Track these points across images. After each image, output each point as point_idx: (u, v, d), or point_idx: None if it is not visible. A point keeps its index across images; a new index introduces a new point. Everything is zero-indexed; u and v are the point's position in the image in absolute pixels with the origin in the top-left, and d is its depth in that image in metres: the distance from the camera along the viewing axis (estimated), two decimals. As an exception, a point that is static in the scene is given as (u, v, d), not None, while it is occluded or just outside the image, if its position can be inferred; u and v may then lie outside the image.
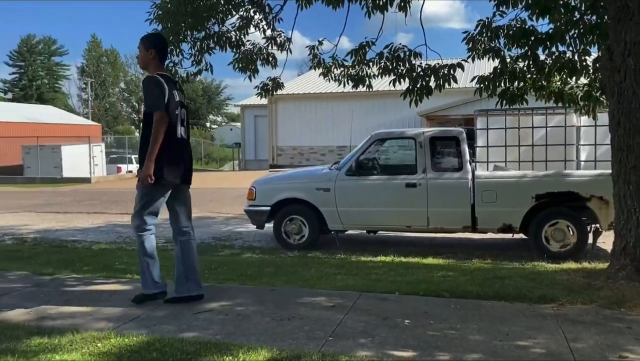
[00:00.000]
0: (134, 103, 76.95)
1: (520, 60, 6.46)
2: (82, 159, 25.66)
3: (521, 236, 7.99)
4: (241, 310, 4.34)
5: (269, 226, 8.55)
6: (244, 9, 6.68)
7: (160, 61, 4.46)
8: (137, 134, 65.03)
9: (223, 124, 78.35)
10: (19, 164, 27.43)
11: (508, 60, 6.57)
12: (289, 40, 7.77)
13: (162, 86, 4.31)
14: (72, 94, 77.85)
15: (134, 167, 29.60)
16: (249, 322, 4.03)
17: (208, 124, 75.15)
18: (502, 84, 6.54)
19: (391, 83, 7.26)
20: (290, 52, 7.84)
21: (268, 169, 26.44)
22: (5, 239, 9.47)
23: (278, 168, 25.47)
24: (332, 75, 7.50)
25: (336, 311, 4.30)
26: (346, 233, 8.71)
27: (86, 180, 24.24)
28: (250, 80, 7.48)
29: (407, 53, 6.94)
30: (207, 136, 55.61)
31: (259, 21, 7.41)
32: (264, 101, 28.82)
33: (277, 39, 7.62)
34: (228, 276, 5.82)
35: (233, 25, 6.97)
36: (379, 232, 8.96)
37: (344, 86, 7.82)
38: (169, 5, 5.85)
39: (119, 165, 28.95)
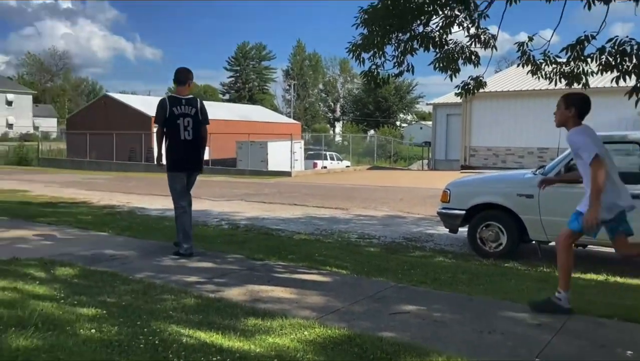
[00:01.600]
0: (330, 103, 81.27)
1: None
2: (284, 155, 27.98)
3: None
4: (438, 316, 4.27)
5: (463, 230, 8.28)
6: (448, 7, 6.54)
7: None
8: (331, 132, 68.63)
9: (413, 122, 78.38)
10: (232, 157, 30.97)
11: None
12: (494, 37, 7.40)
13: (164, 106, 6.27)
14: (277, 95, 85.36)
15: (329, 163, 31.30)
16: (446, 330, 3.93)
17: (398, 123, 75.88)
18: None
19: (613, 80, 6.45)
20: (496, 49, 7.47)
21: (459, 169, 25.68)
22: (222, 224, 10.74)
23: (470, 169, 24.59)
24: (543, 72, 6.93)
25: (542, 330, 3.97)
26: (549, 244, 8.01)
27: (287, 174, 26.34)
28: (451, 79, 7.30)
29: (636, 47, 6.09)
30: (397, 134, 56.14)
31: (463, 19, 7.19)
32: (458, 99, 28.19)
33: (482, 36, 7.31)
34: (421, 279, 5.77)
35: (436, 24, 6.88)
36: (588, 246, 8.05)
37: (555, 84, 7.19)
38: (377, 9, 5.99)
39: (315, 161, 30.86)
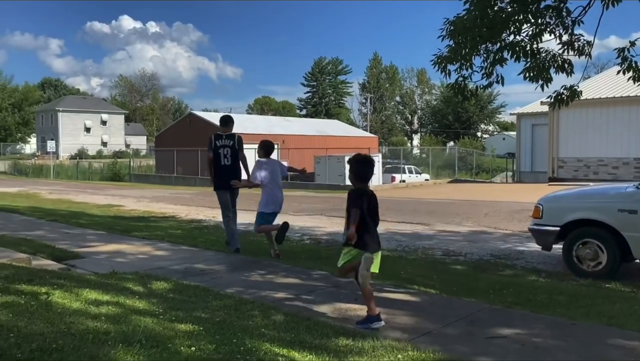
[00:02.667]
0: (408, 115, 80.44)
1: None
2: (361, 169, 27.92)
3: None
4: (539, 341, 4.01)
5: (557, 247, 7.81)
6: (540, 15, 6.24)
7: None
8: (409, 145, 67.84)
9: (495, 133, 75.82)
10: (310, 171, 31.36)
11: None
12: (589, 44, 6.98)
13: (211, 140, 8.11)
14: (353, 109, 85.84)
15: (407, 177, 30.88)
16: (550, 357, 3.69)
17: (479, 134, 73.70)
18: None
19: None
20: (590, 57, 7.04)
21: (546, 182, 24.43)
22: (304, 239, 10.83)
23: (559, 182, 23.31)
24: (646, 79, 6.44)
25: (660, 362, 3.62)
26: (657, 264, 7.38)
27: (365, 188, 26.22)
28: (543, 89, 6.94)
29: None
30: (478, 145, 54.47)
31: (555, 26, 6.84)
32: (543, 108, 26.89)
33: (575, 43, 6.91)
34: (515, 301, 5.48)
35: (526, 33, 6.59)
36: None
37: (659, 90, 6.66)
38: (465, 20, 5.83)
39: (393, 175, 30.54)
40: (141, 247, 8.67)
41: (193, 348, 3.10)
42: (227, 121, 8.49)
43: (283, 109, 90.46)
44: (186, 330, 3.57)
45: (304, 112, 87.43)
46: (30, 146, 77.51)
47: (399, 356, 3.55)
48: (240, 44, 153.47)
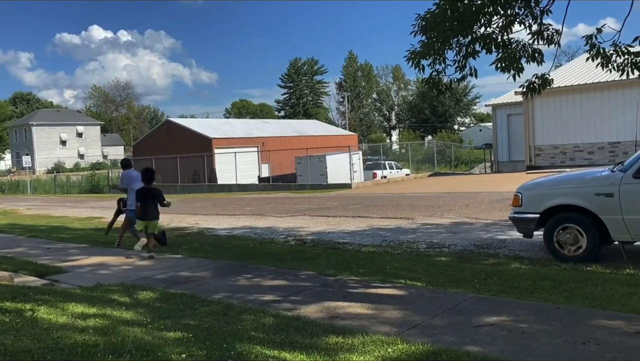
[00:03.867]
0: (385, 112, 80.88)
1: None
2: (342, 167, 28.00)
3: None
4: (525, 327, 4.08)
5: (538, 234, 7.95)
6: (509, 6, 6.34)
7: None
8: (388, 141, 68.21)
9: (471, 125, 76.67)
10: (292, 172, 31.35)
11: None
12: (558, 32, 7.12)
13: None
14: (331, 108, 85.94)
15: (388, 173, 31.04)
16: (536, 342, 3.76)
17: (456, 126, 74.42)
18: None
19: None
20: (559, 45, 7.18)
21: (524, 171, 24.78)
22: (289, 240, 10.83)
23: (536, 170, 23.68)
24: (615, 65, 6.60)
25: (642, 339, 3.71)
26: (635, 244, 7.54)
27: (347, 186, 26.32)
28: (515, 79, 7.06)
29: None
30: (456, 138, 55.01)
31: (524, 17, 6.96)
32: (518, 98, 27.28)
33: (545, 33, 7.04)
34: (500, 288, 5.57)
35: (497, 24, 6.69)
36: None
37: (627, 75, 6.82)
38: (436, 15, 5.89)
39: (374, 171, 30.67)
40: (125, 258, 8.58)
41: (184, 355, 3.10)
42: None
43: (261, 112, 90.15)
44: (175, 337, 3.56)
45: (282, 113, 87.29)
46: (5, 162, 76.03)
47: (389, 350, 3.59)
48: (213, 49, 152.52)
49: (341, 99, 77.48)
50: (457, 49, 6.37)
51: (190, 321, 4.19)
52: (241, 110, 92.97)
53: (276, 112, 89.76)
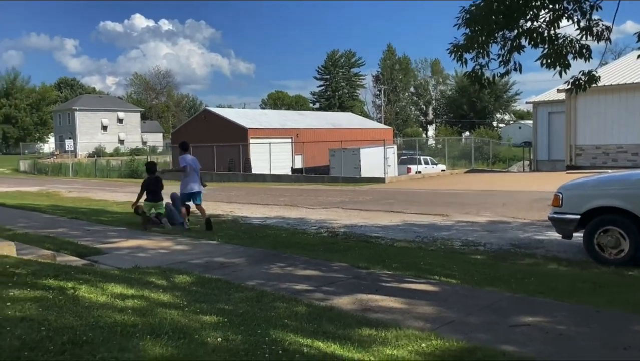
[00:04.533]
0: (422, 106, 79.95)
1: None
2: (376, 161, 27.84)
3: None
4: (563, 329, 3.99)
5: (577, 235, 7.74)
6: (557, 0, 6.15)
7: None
8: (424, 136, 67.49)
9: (511, 122, 75.09)
10: (325, 165, 31.35)
11: None
12: (608, 29, 6.87)
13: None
14: (367, 101, 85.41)
15: (423, 168, 30.71)
16: (574, 345, 3.67)
17: (495, 123, 73.02)
18: None
19: None
20: (610, 41, 6.93)
21: (564, 170, 24.14)
22: (321, 231, 10.85)
23: (577, 170, 23.01)
24: (670, 63, 6.33)
25: (688, 348, 3.57)
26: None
27: (380, 180, 26.17)
28: (561, 76, 6.86)
29: None
30: (494, 135, 53.96)
31: (573, 12, 6.74)
32: (560, 96, 26.50)
33: (594, 28, 6.81)
34: (537, 289, 5.45)
35: (544, 19, 6.50)
36: None
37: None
38: (482, 7, 5.76)
39: (408, 166, 30.38)
40: (161, 242, 8.77)
41: (219, 339, 3.15)
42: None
43: (296, 104, 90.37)
44: (211, 321, 3.62)
45: (317, 105, 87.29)
46: (49, 145, 78.56)
47: (423, 345, 3.56)
48: (252, 40, 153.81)
49: (377, 92, 76.94)
50: (502, 42, 6.22)
51: (225, 306, 4.25)
52: (277, 101, 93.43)
53: (311, 104, 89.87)
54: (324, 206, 15.73)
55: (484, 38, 6.00)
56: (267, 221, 12.51)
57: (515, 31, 6.10)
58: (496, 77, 6.57)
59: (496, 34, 6.08)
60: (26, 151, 65.37)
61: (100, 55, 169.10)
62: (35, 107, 77.09)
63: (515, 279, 5.86)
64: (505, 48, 6.22)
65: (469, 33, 6.18)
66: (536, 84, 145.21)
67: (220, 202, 17.36)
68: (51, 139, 78.81)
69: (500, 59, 6.34)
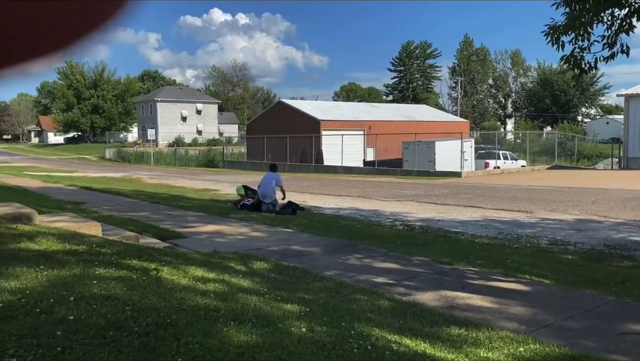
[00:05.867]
0: (501, 99, 76.95)
1: None
2: (452, 155, 26.98)
3: None
4: (682, 341, 3.53)
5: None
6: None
7: None
8: (502, 130, 64.88)
9: (597, 117, 70.63)
10: (398, 158, 30.78)
11: None
12: None
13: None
14: (442, 93, 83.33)
15: (502, 163, 29.44)
16: (699, 360, 3.22)
17: (580, 118, 68.98)
18: None
19: None
20: None
21: (661, 169, 22.30)
22: (396, 224, 10.57)
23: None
24: None
25: None
26: None
27: (457, 174, 25.34)
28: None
29: None
30: (579, 130, 50.90)
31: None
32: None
33: None
34: (643, 294, 4.93)
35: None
36: None
37: None
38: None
39: (486, 160, 29.24)
40: (239, 228, 8.84)
41: (304, 329, 3.00)
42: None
43: (369, 96, 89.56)
44: (293, 310, 3.49)
45: (390, 98, 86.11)
46: (132, 134, 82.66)
47: (520, 349, 3.25)
48: (326, 32, 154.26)
49: (453, 85, 74.75)
50: (608, 22, 5.66)
51: (305, 295, 4.12)
52: (349, 93, 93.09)
53: (384, 97, 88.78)
54: (397, 199, 15.38)
55: (588, 17, 5.48)
56: (339, 211, 12.38)
57: (627, 9, 5.52)
58: (599, 61, 6.00)
59: (603, 13, 5.53)
60: (112, 140, 69.08)
61: (180, 48, 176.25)
62: (121, 98, 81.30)
63: (615, 283, 5.35)
64: (612, 29, 5.65)
65: (570, 12, 5.67)
66: (626, 77, 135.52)
67: (293, 192, 17.41)
68: (134, 129, 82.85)
69: (605, 40, 5.77)
